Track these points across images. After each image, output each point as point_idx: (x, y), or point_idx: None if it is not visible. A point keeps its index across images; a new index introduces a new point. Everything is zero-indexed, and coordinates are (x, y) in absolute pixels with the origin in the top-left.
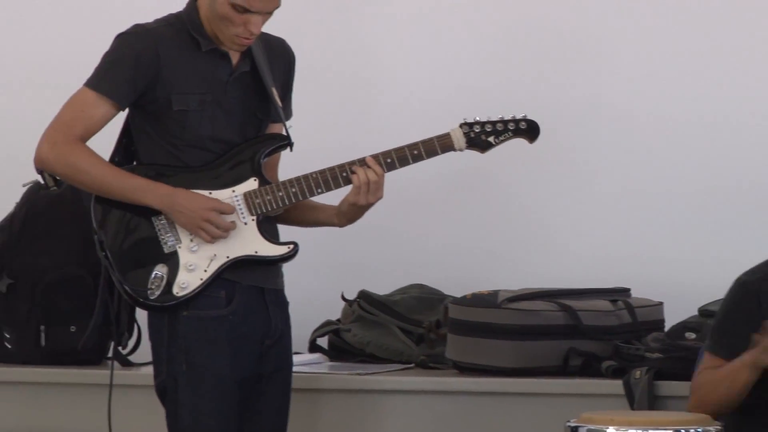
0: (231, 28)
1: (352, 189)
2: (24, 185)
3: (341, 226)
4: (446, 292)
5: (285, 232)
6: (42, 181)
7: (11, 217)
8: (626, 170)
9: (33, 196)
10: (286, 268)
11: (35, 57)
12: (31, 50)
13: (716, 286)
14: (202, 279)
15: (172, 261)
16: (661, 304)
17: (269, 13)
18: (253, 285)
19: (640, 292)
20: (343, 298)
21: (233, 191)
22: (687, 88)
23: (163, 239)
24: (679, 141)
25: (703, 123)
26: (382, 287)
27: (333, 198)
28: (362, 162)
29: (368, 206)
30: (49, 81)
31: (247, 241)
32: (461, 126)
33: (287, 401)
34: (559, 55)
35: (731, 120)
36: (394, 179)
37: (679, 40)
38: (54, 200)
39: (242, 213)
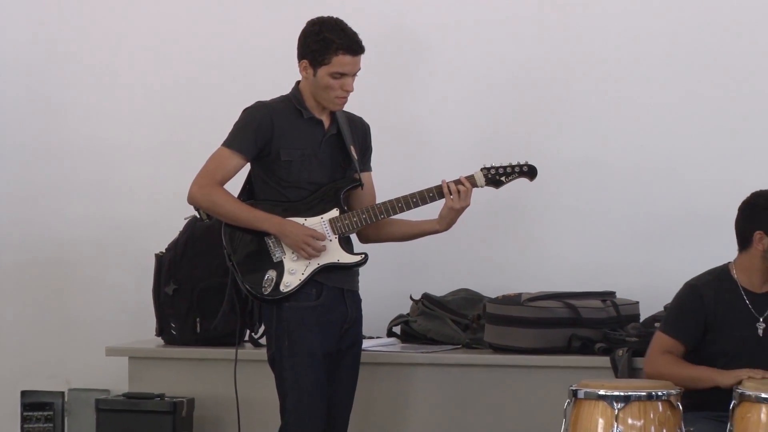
0: (331, 93)
1: (446, 199)
2: (185, 218)
3: (444, 230)
4: (484, 294)
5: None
6: (198, 215)
7: (176, 242)
8: (610, 207)
9: (191, 226)
10: (371, 276)
11: (192, 126)
12: (189, 124)
13: (676, 289)
14: (300, 280)
15: (279, 267)
16: (637, 303)
17: (355, 75)
18: (335, 286)
19: (622, 294)
20: (411, 298)
21: (321, 218)
22: (646, 138)
23: (272, 252)
24: (651, 183)
25: (662, 169)
26: (438, 290)
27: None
28: (417, 196)
29: (461, 210)
30: (196, 143)
31: (332, 252)
32: (482, 169)
33: (357, 369)
34: (560, 112)
35: (680, 165)
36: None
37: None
38: (207, 229)
39: (328, 233)
